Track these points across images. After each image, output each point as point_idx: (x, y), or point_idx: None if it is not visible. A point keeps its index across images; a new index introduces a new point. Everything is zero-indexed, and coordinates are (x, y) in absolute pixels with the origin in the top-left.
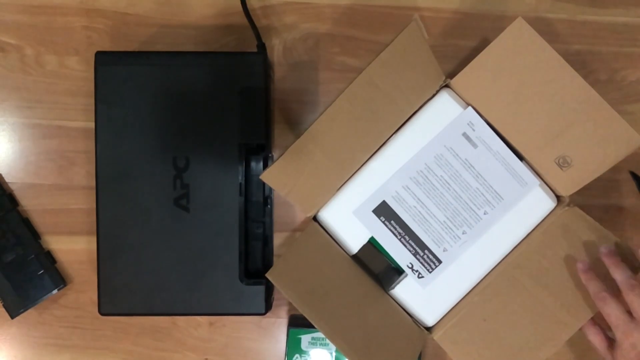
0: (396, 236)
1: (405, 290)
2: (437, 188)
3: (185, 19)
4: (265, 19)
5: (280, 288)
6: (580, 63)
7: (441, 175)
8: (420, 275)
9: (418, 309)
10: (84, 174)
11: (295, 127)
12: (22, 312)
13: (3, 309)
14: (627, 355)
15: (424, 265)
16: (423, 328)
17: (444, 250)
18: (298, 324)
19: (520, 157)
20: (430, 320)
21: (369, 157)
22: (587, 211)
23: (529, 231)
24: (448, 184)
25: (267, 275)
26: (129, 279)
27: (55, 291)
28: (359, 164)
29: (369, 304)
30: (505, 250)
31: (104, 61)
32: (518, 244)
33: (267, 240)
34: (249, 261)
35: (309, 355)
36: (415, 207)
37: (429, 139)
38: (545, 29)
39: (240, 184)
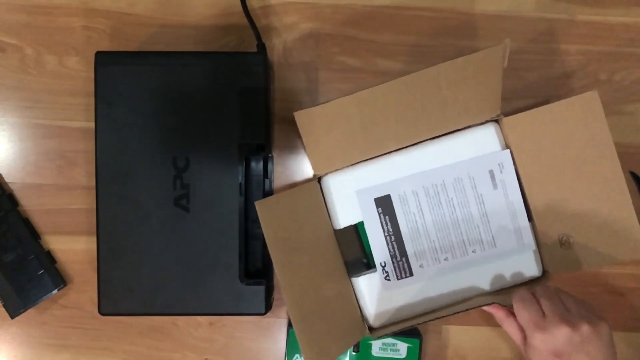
0: (384, 232)
1: (368, 284)
2: (442, 207)
3: (185, 19)
4: (265, 19)
5: (262, 220)
6: (580, 63)
7: (452, 198)
8: (387, 278)
9: (370, 306)
10: (84, 174)
11: (295, 127)
12: (22, 312)
13: (3, 309)
14: (539, 352)
15: (395, 270)
16: (366, 325)
17: (420, 266)
18: None
19: (530, 217)
20: (374, 322)
21: (398, 148)
22: None
23: (502, 287)
24: (454, 208)
25: (256, 203)
26: (129, 279)
27: (55, 291)
28: (386, 150)
29: (332, 278)
30: (472, 294)
31: (104, 61)
32: (486, 295)
33: None
34: (249, 261)
35: None
36: (414, 214)
37: (458, 160)
38: (545, 29)
39: (240, 184)
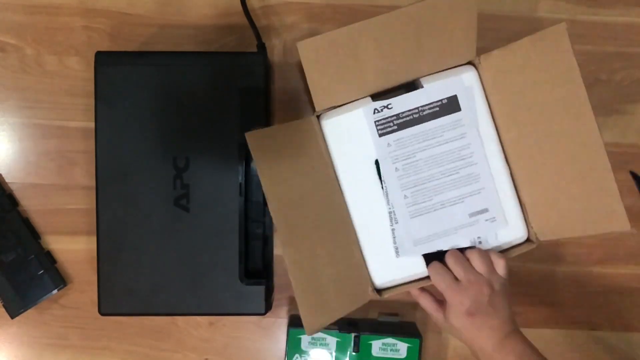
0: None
1: (374, 248)
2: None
3: (185, 19)
4: (265, 19)
5: (254, 153)
6: (581, 63)
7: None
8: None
9: (373, 268)
10: (84, 174)
11: None
12: (22, 312)
13: (3, 309)
14: (456, 312)
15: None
16: (373, 287)
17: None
18: (298, 324)
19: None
20: (379, 282)
21: (384, 88)
22: None
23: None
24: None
25: (247, 134)
26: (129, 279)
27: (55, 291)
28: (371, 89)
29: (334, 229)
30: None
31: (104, 61)
32: None
33: (267, 240)
34: (249, 261)
35: (309, 355)
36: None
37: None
38: (545, 29)
39: (240, 184)
